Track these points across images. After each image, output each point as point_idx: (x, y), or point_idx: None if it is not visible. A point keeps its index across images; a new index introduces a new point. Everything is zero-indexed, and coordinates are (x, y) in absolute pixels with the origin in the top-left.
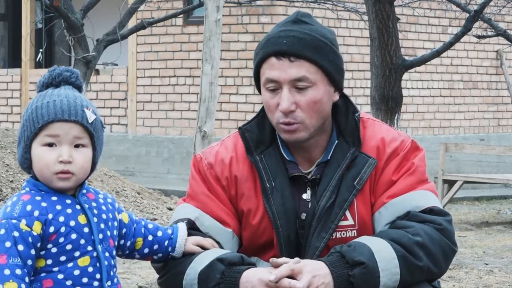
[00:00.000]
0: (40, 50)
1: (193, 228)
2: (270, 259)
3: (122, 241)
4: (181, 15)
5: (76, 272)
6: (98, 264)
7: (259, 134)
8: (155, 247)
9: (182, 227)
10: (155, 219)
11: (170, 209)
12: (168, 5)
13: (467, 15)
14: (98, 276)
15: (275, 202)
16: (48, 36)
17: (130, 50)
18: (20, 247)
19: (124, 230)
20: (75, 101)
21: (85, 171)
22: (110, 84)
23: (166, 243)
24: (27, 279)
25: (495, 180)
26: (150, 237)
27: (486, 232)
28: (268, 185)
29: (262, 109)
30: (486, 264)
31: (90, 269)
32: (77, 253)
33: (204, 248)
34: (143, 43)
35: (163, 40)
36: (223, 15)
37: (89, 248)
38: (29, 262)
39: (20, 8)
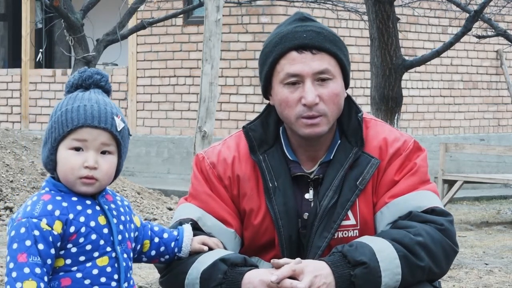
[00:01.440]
0: (40, 50)
1: (195, 228)
2: (271, 260)
3: (133, 245)
4: (181, 15)
5: (95, 272)
6: (116, 265)
7: (262, 134)
8: (162, 248)
9: (188, 228)
10: (155, 219)
11: (170, 209)
12: (168, 5)
13: (467, 15)
14: (116, 276)
15: (277, 202)
16: (48, 36)
17: (130, 50)
18: (40, 246)
19: (136, 234)
20: (105, 107)
21: (109, 177)
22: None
23: (172, 244)
24: (46, 278)
25: (495, 180)
26: (156, 239)
27: (486, 232)
28: (270, 185)
29: (266, 109)
30: (486, 264)
31: (109, 269)
32: (96, 254)
33: (209, 247)
34: (143, 43)
35: (163, 40)
36: (223, 15)
37: (108, 248)
38: (49, 261)
39: (20, 8)
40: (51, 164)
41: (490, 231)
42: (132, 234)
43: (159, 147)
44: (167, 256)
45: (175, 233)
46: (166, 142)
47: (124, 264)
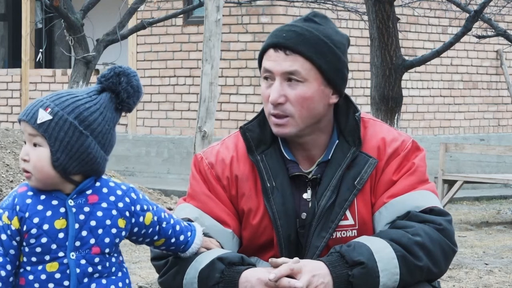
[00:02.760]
0: (40, 50)
1: None
2: (270, 259)
3: (140, 239)
4: (181, 15)
5: (43, 277)
6: (68, 271)
7: (260, 134)
8: (172, 247)
9: (199, 234)
10: None
11: (170, 209)
12: (168, 5)
13: (467, 15)
14: (66, 283)
15: (275, 202)
16: (48, 36)
17: (130, 50)
18: (3, 237)
19: (143, 231)
20: (41, 100)
21: (38, 170)
22: None
23: (182, 247)
24: (9, 267)
25: (495, 180)
26: (173, 240)
27: (486, 232)
28: (268, 185)
29: (263, 109)
30: (486, 264)
31: (58, 275)
32: (47, 257)
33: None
34: (143, 43)
35: (163, 40)
36: (223, 15)
37: (61, 254)
38: (12, 251)
39: (20, 8)
40: None
41: (490, 231)
42: (107, 240)
43: (159, 147)
44: (171, 252)
45: (189, 234)
46: (166, 142)
47: (79, 270)
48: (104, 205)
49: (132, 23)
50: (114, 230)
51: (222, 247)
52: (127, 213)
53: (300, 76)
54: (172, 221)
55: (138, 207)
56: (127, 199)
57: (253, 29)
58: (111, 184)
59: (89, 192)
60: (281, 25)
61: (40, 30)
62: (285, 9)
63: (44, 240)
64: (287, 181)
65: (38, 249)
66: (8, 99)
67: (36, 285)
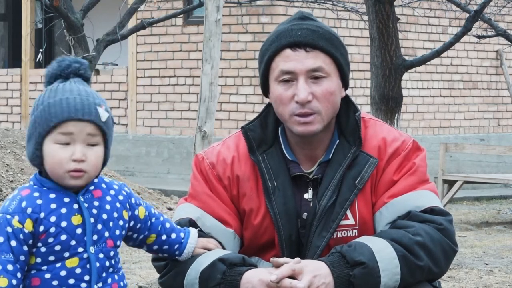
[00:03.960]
0: (40, 50)
1: (194, 228)
2: (271, 259)
3: (135, 235)
4: (181, 15)
5: (63, 273)
6: (88, 266)
7: (261, 134)
8: (165, 247)
9: (194, 235)
10: None
11: (170, 209)
12: (168, 5)
13: (467, 15)
14: (87, 277)
15: (277, 202)
16: (48, 36)
17: (130, 50)
18: (13, 243)
19: (138, 225)
20: (88, 98)
21: (96, 169)
22: (110, 84)
23: (175, 246)
24: (19, 275)
25: (495, 180)
26: (163, 237)
27: (486, 232)
28: (270, 185)
29: (265, 109)
30: (486, 264)
31: (78, 270)
32: (66, 254)
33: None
34: (143, 43)
35: (163, 40)
36: (223, 15)
37: (80, 249)
38: (22, 258)
39: (20, 8)
40: (37, 159)
41: (490, 231)
42: (117, 232)
43: (159, 147)
44: (166, 254)
45: (182, 235)
46: (166, 142)
47: (98, 264)
48: (108, 198)
49: (132, 23)
50: (121, 222)
51: (222, 247)
52: (128, 205)
53: (324, 71)
54: (161, 218)
55: (133, 200)
56: (124, 192)
57: (253, 29)
58: (106, 180)
59: (91, 187)
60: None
61: (40, 30)
62: (285, 9)
63: (63, 237)
64: (288, 181)
65: (58, 247)
66: (8, 99)
67: (55, 282)
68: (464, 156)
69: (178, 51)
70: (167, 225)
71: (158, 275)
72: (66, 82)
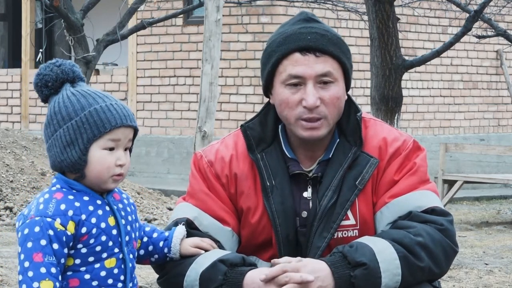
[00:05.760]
0: (40, 50)
1: (192, 228)
2: (272, 260)
3: (137, 244)
4: (181, 15)
5: (103, 273)
6: (123, 266)
7: (261, 132)
8: (150, 248)
9: (179, 229)
10: (155, 219)
11: (170, 209)
12: (168, 5)
13: (467, 15)
14: (122, 277)
15: (274, 200)
16: (48, 36)
17: (130, 50)
18: (55, 246)
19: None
20: (124, 105)
21: (127, 173)
22: (110, 84)
23: (161, 244)
24: (60, 278)
25: (495, 180)
26: (145, 239)
27: (486, 232)
28: (268, 184)
29: (265, 107)
30: (486, 264)
31: (116, 270)
32: (104, 255)
33: (203, 250)
34: (143, 43)
35: (163, 40)
36: (223, 15)
37: (116, 250)
38: (62, 260)
39: (20, 8)
40: (83, 164)
41: (490, 231)
42: (137, 234)
43: (159, 147)
44: (156, 256)
45: (167, 233)
46: (166, 142)
47: (130, 265)
48: (125, 201)
49: (132, 23)
50: (137, 224)
51: (220, 246)
52: (136, 211)
53: (332, 76)
54: (142, 223)
55: (135, 207)
56: (131, 199)
57: (253, 29)
58: None
59: (112, 191)
60: (279, 27)
61: (40, 30)
62: (285, 9)
63: (103, 238)
64: (287, 179)
65: (98, 248)
66: (8, 99)
67: (95, 283)
68: (464, 156)
69: (178, 51)
70: (147, 228)
71: (157, 276)
72: (78, 86)
